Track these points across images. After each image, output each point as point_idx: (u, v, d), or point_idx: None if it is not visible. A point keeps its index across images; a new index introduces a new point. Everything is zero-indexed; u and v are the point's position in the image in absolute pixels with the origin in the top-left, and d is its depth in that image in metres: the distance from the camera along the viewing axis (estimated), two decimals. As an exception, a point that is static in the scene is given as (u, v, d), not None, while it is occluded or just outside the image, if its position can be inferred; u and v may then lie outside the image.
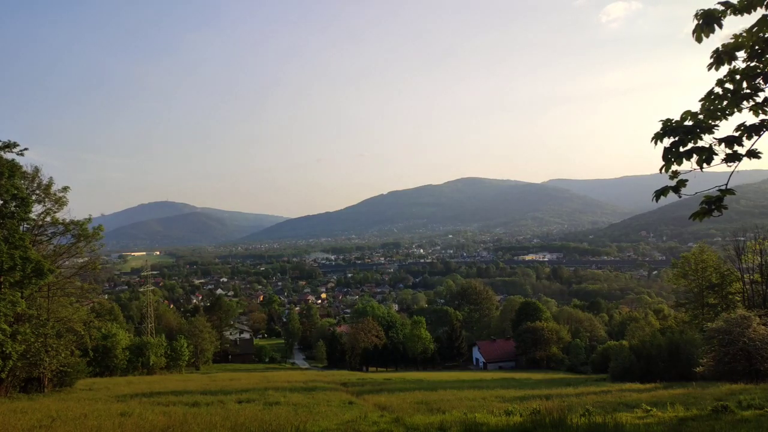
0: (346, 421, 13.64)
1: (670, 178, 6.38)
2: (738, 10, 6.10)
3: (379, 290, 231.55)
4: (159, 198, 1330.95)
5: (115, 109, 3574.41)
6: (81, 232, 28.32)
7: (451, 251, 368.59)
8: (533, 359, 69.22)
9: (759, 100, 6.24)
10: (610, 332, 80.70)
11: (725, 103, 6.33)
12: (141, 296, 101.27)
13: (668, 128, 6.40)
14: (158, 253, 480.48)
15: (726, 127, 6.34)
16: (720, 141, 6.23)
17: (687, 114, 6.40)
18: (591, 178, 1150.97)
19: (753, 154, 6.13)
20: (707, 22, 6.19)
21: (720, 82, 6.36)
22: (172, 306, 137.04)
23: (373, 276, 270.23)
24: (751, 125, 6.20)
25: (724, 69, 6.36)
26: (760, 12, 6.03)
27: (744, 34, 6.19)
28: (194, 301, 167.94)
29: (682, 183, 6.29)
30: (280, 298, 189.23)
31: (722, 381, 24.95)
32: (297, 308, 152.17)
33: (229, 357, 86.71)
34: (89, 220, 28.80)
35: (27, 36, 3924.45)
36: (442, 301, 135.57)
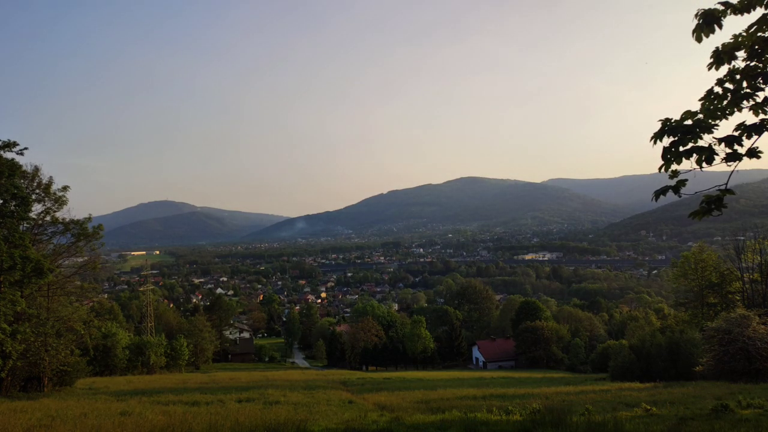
0: (346, 420, 13.66)
1: (669, 178, 6.37)
2: (738, 10, 6.10)
3: (378, 289, 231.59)
4: (159, 197, 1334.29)
5: (116, 108, 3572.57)
6: (81, 231, 28.23)
7: (451, 250, 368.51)
8: (533, 358, 69.24)
9: (759, 99, 6.23)
10: (609, 331, 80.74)
11: (725, 102, 6.32)
12: (141, 295, 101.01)
13: (668, 127, 6.38)
14: (158, 252, 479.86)
15: (726, 127, 6.33)
16: (720, 140, 6.21)
17: (687, 113, 6.38)
18: (591, 178, 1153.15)
19: (753, 153, 6.12)
20: (707, 21, 6.19)
21: (720, 82, 6.36)
22: (171, 305, 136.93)
23: (373, 275, 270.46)
24: (751, 125, 6.19)
25: (724, 69, 6.35)
26: (759, 11, 6.03)
27: (744, 34, 6.18)
28: (194, 300, 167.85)
29: (682, 183, 6.28)
30: (279, 298, 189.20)
31: (722, 380, 25.00)
32: (297, 307, 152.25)
33: (229, 356, 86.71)
34: (89, 219, 28.71)
35: (33, 35, 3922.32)
36: (442, 300, 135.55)
